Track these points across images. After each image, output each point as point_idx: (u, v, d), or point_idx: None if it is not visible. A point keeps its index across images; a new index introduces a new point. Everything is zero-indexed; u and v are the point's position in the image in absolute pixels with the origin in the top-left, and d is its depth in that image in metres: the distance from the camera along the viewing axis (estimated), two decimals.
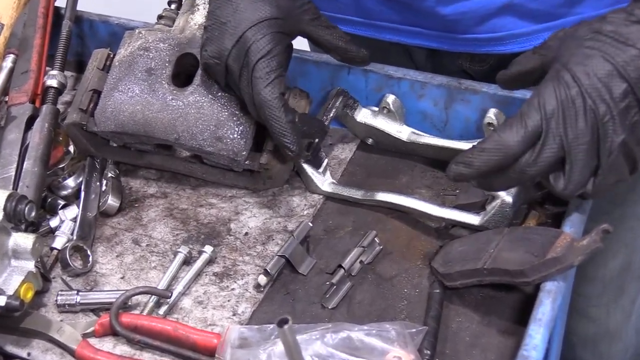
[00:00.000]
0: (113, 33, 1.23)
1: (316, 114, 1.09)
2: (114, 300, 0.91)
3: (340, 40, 1.02)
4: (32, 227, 0.99)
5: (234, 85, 0.99)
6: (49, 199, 1.06)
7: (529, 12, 1.05)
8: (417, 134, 1.07)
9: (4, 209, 0.90)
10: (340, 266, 0.93)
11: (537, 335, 0.78)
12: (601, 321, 1.33)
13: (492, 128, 1.00)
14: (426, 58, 1.18)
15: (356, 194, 1.03)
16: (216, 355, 0.86)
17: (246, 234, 1.02)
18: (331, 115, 1.07)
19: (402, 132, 1.07)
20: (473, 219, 0.95)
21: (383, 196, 1.01)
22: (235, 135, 1.01)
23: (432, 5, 1.05)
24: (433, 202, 0.99)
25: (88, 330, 0.91)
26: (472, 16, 1.06)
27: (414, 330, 0.84)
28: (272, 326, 0.86)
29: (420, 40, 1.12)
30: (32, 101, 1.11)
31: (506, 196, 0.92)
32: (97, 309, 0.94)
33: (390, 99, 1.07)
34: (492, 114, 1.00)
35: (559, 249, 0.82)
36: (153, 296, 0.93)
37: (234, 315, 0.92)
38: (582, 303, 1.31)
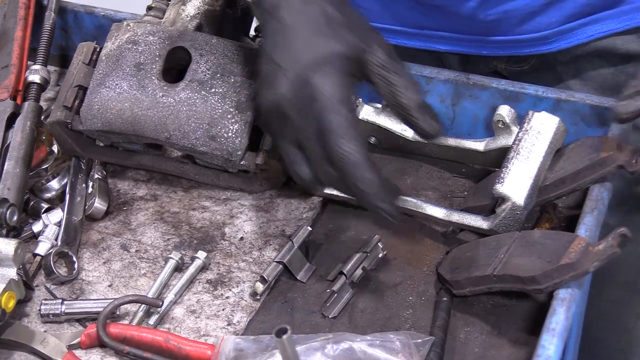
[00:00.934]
0: (99, 25, 1.24)
1: None
2: (101, 309, 0.92)
3: (410, 100, 0.85)
4: (13, 232, 1.00)
5: (293, 138, 0.86)
6: (32, 202, 1.06)
7: (578, 5, 1.05)
8: None
9: None
10: (341, 273, 0.94)
11: (550, 346, 0.79)
12: (634, 330, 1.33)
13: (501, 125, 1.00)
14: (459, 63, 1.18)
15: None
16: None
17: (241, 238, 1.02)
18: None
19: (406, 130, 1.08)
20: (482, 223, 0.96)
21: None
22: (230, 134, 1.02)
23: (473, 6, 1.05)
24: (439, 205, 0.99)
25: (74, 342, 0.91)
26: (515, 15, 1.06)
27: (420, 340, 0.85)
28: (269, 337, 0.87)
29: (454, 46, 1.12)
30: (13, 98, 1.11)
31: (517, 198, 0.93)
32: (83, 319, 0.94)
33: None
34: (503, 111, 1.00)
35: (573, 255, 0.83)
36: (143, 305, 0.94)
37: (228, 325, 0.93)
38: (613, 311, 1.30)
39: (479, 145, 1.03)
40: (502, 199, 0.94)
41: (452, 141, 1.05)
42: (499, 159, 0.99)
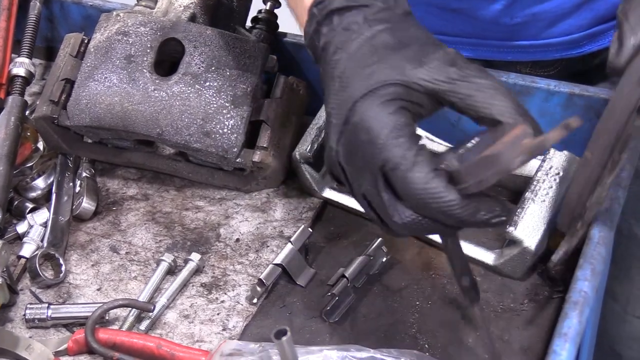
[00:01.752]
0: (87, 16, 1.24)
1: (314, 108, 1.10)
2: (89, 314, 0.92)
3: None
4: None
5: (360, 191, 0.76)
6: (16, 202, 1.06)
7: (610, 6, 1.05)
8: (431, 140, 1.07)
9: None
10: (343, 276, 0.94)
11: (562, 351, 0.79)
12: None
13: None
14: None
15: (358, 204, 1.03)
16: None
17: (237, 240, 1.03)
18: None
19: None
20: (487, 257, 0.96)
21: None
22: (225, 130, 1.02)
23: (498, 9, 1.04)
24: None
25: (60, 348, 0.92)
26: (544, 17, 1.05)
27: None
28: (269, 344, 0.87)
29: (476, 52, 1.12)
30: None
31: (529, 244, 0.91)
32: (70, 324, 0.94)
33: None
34: None
35: (500, 145, 0.71)
36: (133, 310, 0.94)
37: (224, 330, 0.93)
38: None
39: None
40: (512, 241, 0.93)
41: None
42: (510, 181, 0.98)
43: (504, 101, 0.73)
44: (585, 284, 0.85)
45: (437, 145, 1.07)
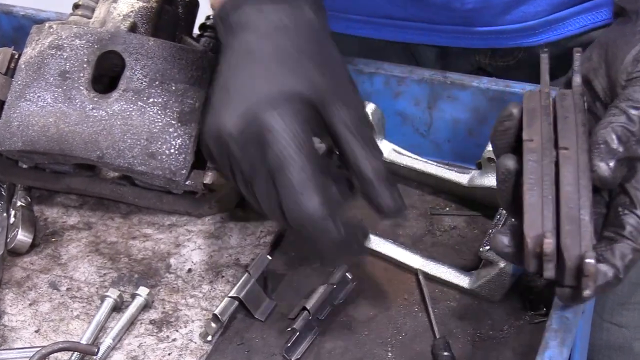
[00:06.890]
0: (19, 27, 1.23)
1: None
2: None
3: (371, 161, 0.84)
4: None
5: (240, 175, 0.85)
6: None
7: None
8: (399, 153, 1.06)
9: None
10: (304, 308, 0.93)
11: None
12: None
13: (494, 164, 0.97)
14: (436, 58, 1.18)
15: None
16: None
17: (189, 270, 1.02)
18: None
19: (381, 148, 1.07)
20: (463, 280, 0.95)
21: None
22: (172, 150, 1.02)
23: None
24: (414, 251, 0.99)
25: None
26: (497, 4, 1.07)
27: None
28: None
29: (429, 37, 1.13)
30: None
31: (505, 264, 0.91)
32: None
33: (370, 108, 1.06)
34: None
35: None
36: (76, 353, 0.93)
37: None
38: (619, 335, 1.29)
39: (462, 178, 1.03)
40: (489, 262, 0.93)
41: (431, 168, 1.05)
42: (485, 197, 0.99)
43: (378, 167, 0.84)
44: (567, 309, 0.85)
45: (406, 158, 1.07)
